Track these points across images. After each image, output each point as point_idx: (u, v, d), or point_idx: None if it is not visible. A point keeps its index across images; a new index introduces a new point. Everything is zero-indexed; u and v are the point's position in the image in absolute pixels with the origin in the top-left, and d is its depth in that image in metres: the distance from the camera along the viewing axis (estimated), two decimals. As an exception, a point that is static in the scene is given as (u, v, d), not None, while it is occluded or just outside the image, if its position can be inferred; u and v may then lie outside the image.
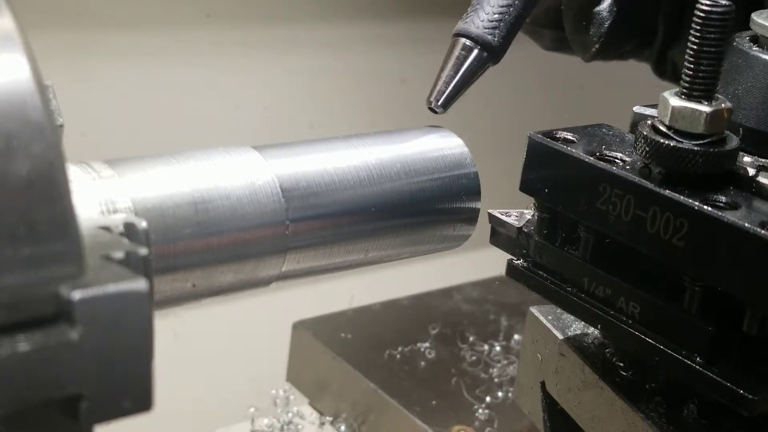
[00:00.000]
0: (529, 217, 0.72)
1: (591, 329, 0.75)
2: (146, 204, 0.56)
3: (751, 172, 0.63)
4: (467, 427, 1.05)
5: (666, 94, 0.62)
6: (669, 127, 0.61)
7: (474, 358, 1.18)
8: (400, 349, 1.18)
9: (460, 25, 0.76)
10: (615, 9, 0.95)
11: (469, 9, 0.77)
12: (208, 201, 0.59)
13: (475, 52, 0.75)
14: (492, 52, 0.75)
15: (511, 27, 0.76)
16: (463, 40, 0.75)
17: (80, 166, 0.57)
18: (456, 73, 0.74)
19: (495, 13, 0.75)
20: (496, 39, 0.75)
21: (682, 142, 0.61)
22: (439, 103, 0.73)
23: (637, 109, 0.69)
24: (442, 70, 0.75)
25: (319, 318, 1.23)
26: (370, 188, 0.66)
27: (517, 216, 0.73)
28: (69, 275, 0.42)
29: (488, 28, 0.75)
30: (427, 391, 1.10)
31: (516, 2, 0.76)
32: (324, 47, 1.54)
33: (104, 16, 1.34)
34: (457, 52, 0.75)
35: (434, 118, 0.76)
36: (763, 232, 0.56)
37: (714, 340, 0.61)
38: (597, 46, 0.97)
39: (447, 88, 0.74)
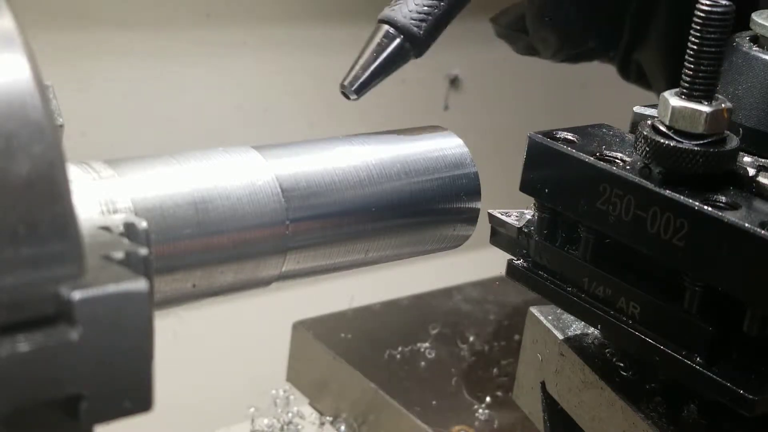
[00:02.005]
0: (529, 217, 0.72)
1: (591, 329, 0.75)
2: (146, 204, 0.56)
3: (751, 172, 0.63)
4: (467, 427, 1.05)
5: (666, 94, 0.62)
6: (669, 127, 0.61)
7: (474, 358, 1.18)
8: (400, 349, 1.18)
9: (387, 12, 0.73)
10: (575, 6, 0.94)
11: None
12: (208, 201, 0.59)
13: (397, 41, 0.72)
14: (415, 44, 0.73)
15: (438, 22, 0.73)
16: (386, 27, 0.72)
17: (80, 166, 0.57)
18: (374, 59, 0.71)
19: (425, 5, 0.73)
20: (421, 32, 0.72)
21: (682, 142, 0.61)
22: (353, 89, 0.71)
23: (637, 109, 0.69)
24: (360, 55, 0.72)
25: (319, 318, 1.23)
26: (370, 188, 0.66)
27: (517, 216, 0.73)
28: (69, 275, 0.42)
29: (415, 20, 0.72)
30: (427, 391, 1.10)
31: None
32: (324, 47, 1.54)
33: (104, 16, 1.34)
34: (378, 38, 0.72)
35: (432, 119, 0.76)
36: (763, 232, 0.56)
37: (714, 340, 0.61)
38: (558, 42, 0.96)
39: (363, 73, 0.71)
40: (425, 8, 0.73)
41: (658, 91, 0.63)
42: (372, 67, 0.71)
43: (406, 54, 0.73)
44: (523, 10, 1.01)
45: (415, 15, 0.72)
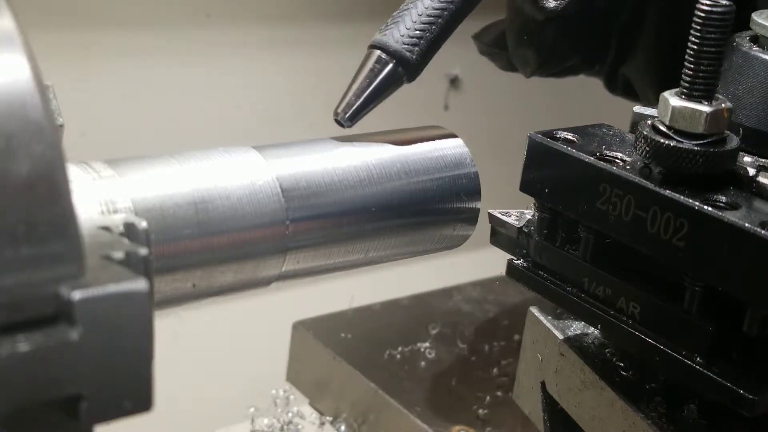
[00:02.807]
0: (529, 217, 0.72)
1: (591, 329, 0.75)
2: (146, 204, 0.56)
3: (751, 172, 0.63)
4: (467, 427, 1.05)
5: (666, 94, 0.62)
6: (669, 127, 0.61)
7: (474, 358, 1.18)
8: (400, 349, 1.18)
9: (378, 37, 0.72)
10: (555, 25, 0.94)
11: (389, 21, 0.73)
12: (208, 201, 0.59)
13: (390, 66, 0.71)
14: (408, 68, 0.71)
15: (431, 45, 0.72)
16: (378, 52, 0.71)
17: (80, 166, 0.57)
18: (368, 86, 0.70)
19: (416, 29, 0.72)
20: (414, 56, 0.71)
21: (682, 142, 0.61)
22: (347, 116, 0.70)
23: (637, 109, 0.69)
24: (353, 81, 0.71)
25: (319, 318, 1.23)
26: (370, 188, 0.66)
27: (517, 216, 0.73)
28: (69, 275, 0.42)
29: (407, 44, 0.71)
30: (427, 391, 1.10)
31: (439, 21, 0.72)
32: (324, 47, 1.54)
33: (104, 16, 1.34)
34: (370, 64, 0.71)
35: (432, 119, 0.75)
36: (763, 232, 0.56)
37: (714, 340, 0.61)
38: (538, 60, 0.95)
39: (357, 101, 0.70)
40: (417, 32, 0.71)
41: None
42: (365, 95, 0.70)
43: (399, 79, 0.72)
44: (504, 27, 1.00)
45: (407, 39, 0.71)
